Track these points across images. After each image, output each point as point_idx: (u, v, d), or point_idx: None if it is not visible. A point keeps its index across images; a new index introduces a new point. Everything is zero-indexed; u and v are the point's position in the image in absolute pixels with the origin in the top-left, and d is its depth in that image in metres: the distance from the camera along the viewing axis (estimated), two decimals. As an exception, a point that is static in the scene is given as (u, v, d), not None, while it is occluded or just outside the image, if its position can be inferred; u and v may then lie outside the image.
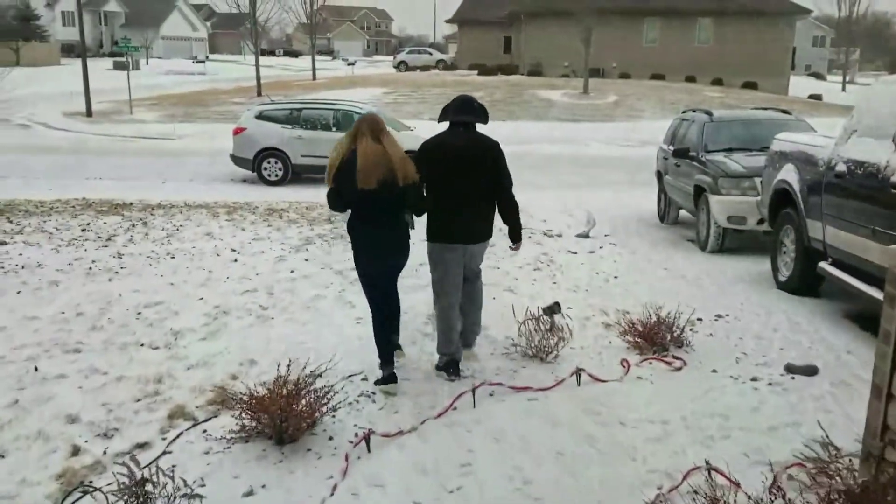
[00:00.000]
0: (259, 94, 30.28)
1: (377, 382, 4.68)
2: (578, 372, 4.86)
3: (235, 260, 7.87)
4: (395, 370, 4.70)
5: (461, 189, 4.85)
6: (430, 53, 55.83)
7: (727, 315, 6.34)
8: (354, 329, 5.79)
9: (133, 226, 9.60)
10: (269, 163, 15.28)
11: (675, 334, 5.47)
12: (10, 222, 9.86)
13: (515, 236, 5.29)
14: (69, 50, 63.01)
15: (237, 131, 15.70)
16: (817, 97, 37.47)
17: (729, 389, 4.79)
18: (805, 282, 7.03)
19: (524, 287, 7.17)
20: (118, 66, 53.61)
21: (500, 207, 5.15)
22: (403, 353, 5.16)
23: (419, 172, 4.65)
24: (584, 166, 18.40)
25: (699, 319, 6.01)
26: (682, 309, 5.76)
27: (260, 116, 15.59)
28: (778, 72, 38.43)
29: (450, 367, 4.97)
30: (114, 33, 69.18)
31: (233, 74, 50.67)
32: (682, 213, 11.23)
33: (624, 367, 5.11)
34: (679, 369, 5.11)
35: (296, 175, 15.26)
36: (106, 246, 8.47)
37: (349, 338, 5.62)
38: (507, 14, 43.83)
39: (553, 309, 5.81)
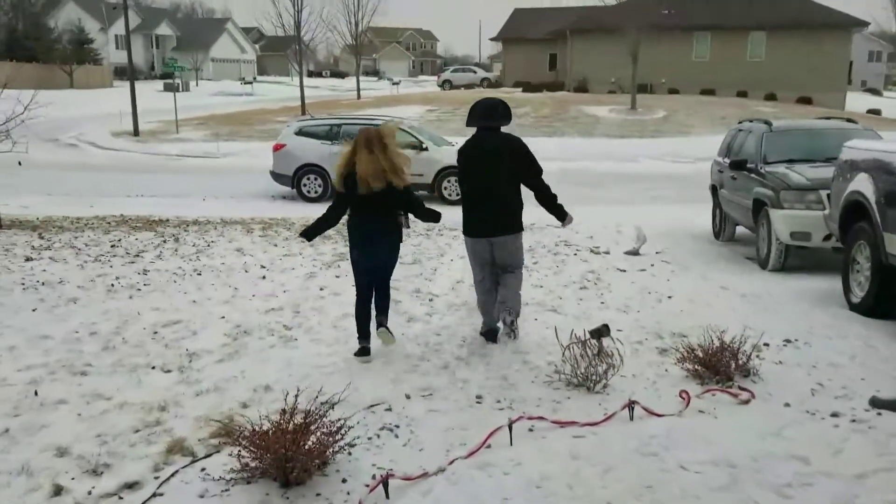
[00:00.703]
0: (304, 113, 30.29)
1: (355, 354, 5.23)
2: (631, 405, 4.27)
3: (264, 277, 7.49)
4: (369, 347, 5.25)
5: (485, 186, 5.31)
6: (475, 72, 55.62)
7: (796, 340, 5.68)
8: (383, 351, 5.30)
9: (164, 241, 9.31)
10: (308, 179, 15.01)
11: (740, 362, 4.84)
12: (42, 238, 9.67)
13: (559, 215, 5.74)
14: (122, 73, 64.60)
15: (277, 148, 15.50)
16: (876, 112, 36.05)
17: (806, 427, 4.15)
18: (882, 302, 6.34)
19: (569, 307, 6.60)
20: (168, 88, 54.73)
21: (536, 196, 5.61)
22: (393, 339, 5.38)
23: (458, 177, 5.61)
24: (633, 182, 17.76)
25: (766, 345, 5.36)
26: (746, 333, 5.13)
27: (300, 133, 15.36)
28: (834, 86, 37.12)
29: (488, 335, 5.55)
30: (165, 56, 70.67)
31: (280, 95, 51.18)
32: (739, 229, 10.54)
33: (683, 399, 4.49)
34: (746, 402, 4.48)
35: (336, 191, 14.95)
36: (133, 262, 8.17)
37: (376, 362, 5.13)
38: (553, 31, 43.38)
39: (601, 331, 5.21)
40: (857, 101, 40.84)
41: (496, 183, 5.29)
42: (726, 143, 10.86)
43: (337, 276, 7.49)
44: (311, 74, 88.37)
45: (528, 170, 5.43)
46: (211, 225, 10.81)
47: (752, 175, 9.03)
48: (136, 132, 27.53)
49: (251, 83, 57.94)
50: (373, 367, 5.01)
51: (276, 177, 15.50)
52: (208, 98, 50.35)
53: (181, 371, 4.98)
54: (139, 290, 7.04)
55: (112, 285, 7.18)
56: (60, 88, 52.76)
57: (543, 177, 5.65)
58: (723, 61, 38.06)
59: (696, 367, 4.85)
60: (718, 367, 4.78)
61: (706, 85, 37.51)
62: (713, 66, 38.18)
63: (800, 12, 37.32)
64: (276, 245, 9.08)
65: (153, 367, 5.04)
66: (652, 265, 8.74)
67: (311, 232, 5.42)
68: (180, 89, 55.49)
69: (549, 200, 5.61)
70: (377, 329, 5.31)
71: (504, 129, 5.57)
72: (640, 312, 6.40)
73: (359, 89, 43.91)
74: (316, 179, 15.00)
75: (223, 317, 6.10)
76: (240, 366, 5.06)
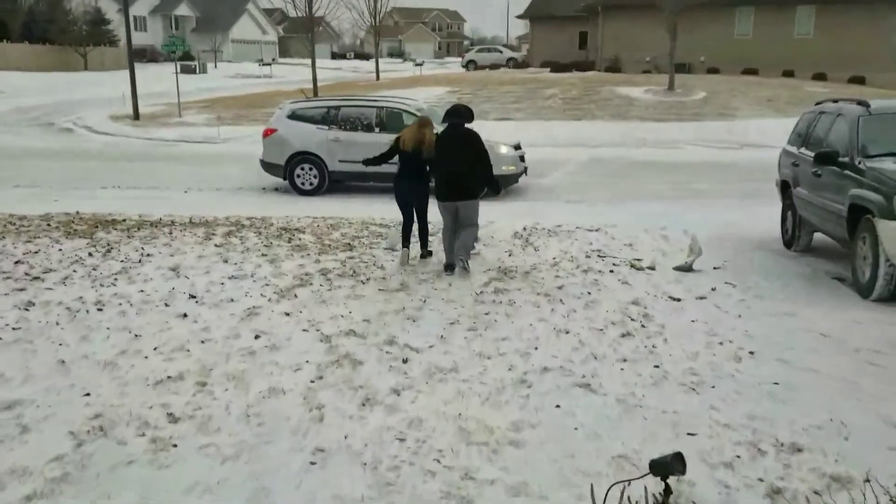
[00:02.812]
0: (315, 95, 28.37)
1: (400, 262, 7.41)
2: None
3: (185, 315, 5.56)
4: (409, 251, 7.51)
5: (454, 164, 7.15)
6: (501, 51, 53.14)
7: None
8: (313, 476, 3.31)
9: (90, 254, 7.44)
10: (302, 169, 13.09)
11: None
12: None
13: (494, 189, 7.61)
14: (142, 54, 63.24)
15: (267, 133, 13.59)
16: (936, 92, 33.22)
17: None
18: None
19: (609, 377, 4.56)
20: (185, 70, 53.18)
21: (480, 175, 7.24)
22: (431, 255, 7.68)
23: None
24: (673, 172, 15.60)
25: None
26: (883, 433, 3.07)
27: (293, 116, 13.40)
28: (890, 66, 34.23)
29: (447, 268, 7.18)
30: (185, 37, 69.20)
31: (299, 77, 49.28)
32: (817, 235, 8.43)
33: None
34: None
35: (334, 183, 13.05)
36: (22, 290, 6.22)
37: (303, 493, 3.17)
38: (582, 6, 40.84)
39: (670, 467, 3.05)
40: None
41: (462, 162, 7.11)
42: (802, 129, 8.74)
43: (287, 314, 5.54)
44: (334, 56, 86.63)
45: (482, 157, 7.17)
46: (168, 228, 8.95)
47: (847, 172, 6.92)
48: (136, 115, 25.89)
49: (269, 65, 56.14)
50: None
51: (267, 166, 13.61)
52: (225, 80, 48.69)
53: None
54: (-2, 340, 5.09)
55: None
56: (74, 70, 51.50)
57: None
58: (767, 38, 35.28)
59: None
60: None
61: (749, 64, 34.82)
62: (756, 44, 35.42)
63: (852, -15, 34.47)
64: (227, 261, 7.16)
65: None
66: (713, 289, 6.69)
67: (372, 161, 8.01)
68: (197, 71, 54.05)
69: (490, 180, 7.36)
70: (420, 256, 7.60)
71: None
72: (715, 389, 4.34)
73: (377, 70, 41.87)
74: (311, 170, 13.07)
75: (87, 395, 4.16)
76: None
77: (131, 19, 65.03)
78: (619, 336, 5.22)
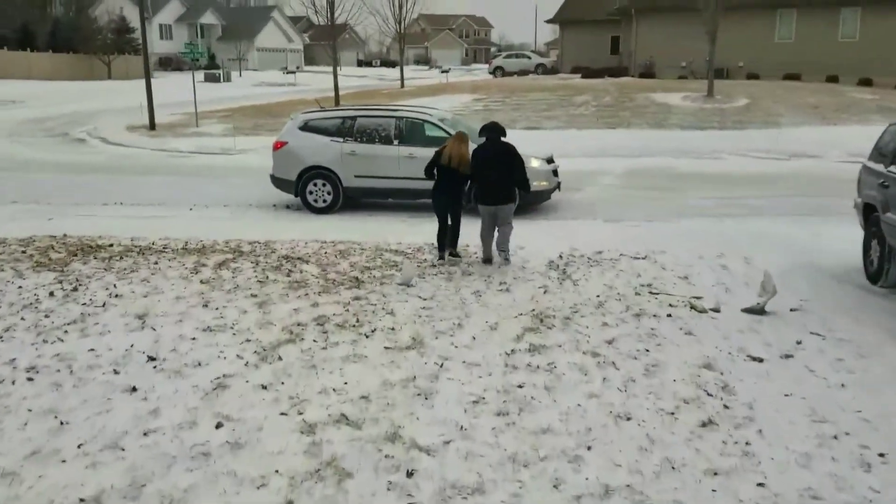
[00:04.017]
0: (337, 104, 27.37)
1: (438, 258, 8.35)
2: None
3: (134, 389, 4.40)
4: (444, 255, 8.30)
5: (492, 176, 8.22)
6: (529, 57, 51.81)
7: None
8: None
9: (51, 294, 6.35)
10: (315, 185, 11.96)
11: None
12: None
13: (524, 188, 8.53)
14: (167, 63, 62.93)
15: (277, 146, 12.49)
16: None
17: None
18: None
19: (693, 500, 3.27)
20: (209, 79, 52.67)
21: (516, 183, 8.34)
22: (461, 258, 8.40)
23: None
24: (720, 185, 14.26)
25: None
26: None
27: (305, 128, 12.27)
28: (940, 70, 32.40)
29: (486, 261, 8.29)
30: (210, 45, 68.94)
31: (324, 85, 48.46)
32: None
33: None
34: None
35: (349, 200, 11.91)
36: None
37: None
38: (615, 9, 39.46)
39: None
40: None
41: (500, 173, 8.19)
42: (890, 145, 7.39)
43: (264, 388, 4.36)
44: (360, 64, 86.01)
45: (517, 167, 8.22)
46: (156, 257, 7.85)
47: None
48: (152, 126, 25.05)
49: (294, 73, 55.47)
50: None
51: (277, 182, 12.51)
52: (249, 89, 47.98)
53: None
54: None
55: None
56: (98, 79, 51.17)
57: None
58: (810, 42, 33.63)
59: None
60: None
61: (790, 69, 33.21)
62: (798, 48, 33.78)
63: (901, -16, 32.74)
64: (207, 304, 5.99)
65: None
66: (799, 343, 5.42)
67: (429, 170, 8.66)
68: (221, 79, 53.51)
69: (520, 182, 8.34)
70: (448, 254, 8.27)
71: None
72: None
73: (402, 77, 40.84)
74: (325, 185, 11.93)
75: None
76: None
77: (157, 28, 65.09)
78: (699, 425, 3.96)
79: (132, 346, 5.05)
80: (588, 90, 28.65)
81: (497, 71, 48.12)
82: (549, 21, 50.63)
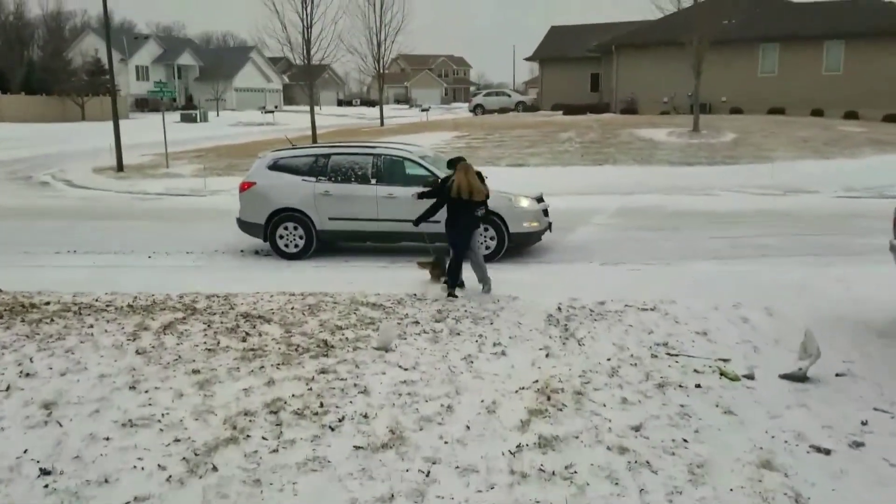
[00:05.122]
0: (314, 143, 26.46)
1: (452, 293, 8.15)
2: None
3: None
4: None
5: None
6: (509, 95, 51.48)
7: None
8: None
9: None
10: (285, 229, 10.98)
11: None
12: None
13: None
14: (143, 104, 62.02)
15: (244, 187, 11.55)
16: (976, 130, 31.05)
17: None
18: None
19: None
20: (186, 119, 51.80)
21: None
22: (464, 289, 8.32)
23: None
24: (719, 223, 13.43)
25: None
26: None
27: (275, 167, 11.33)
28: (927, 102, 32.13)
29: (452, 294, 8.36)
30: (188, 86, 68.24)
31: (302, 124, 47.75)
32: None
33: None
34: None
35: (323, 244, 10.92)
36: None
37: None
38: (595, 46, 39.13)
39: None
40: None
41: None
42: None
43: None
44: (340, 103, 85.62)
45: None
46: (93, 318, 6.75)
47: None
48: (119, 167, 24.02)
49: (272, 112, 54.75)
50: None
51: (244, 226, 11.53)
52: (226, 128, 47.14)
53: None
54: None
55: None
56: (72, 121, 50.11)
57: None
58: (793, 76, 33.35)
59: None
60: None
61: (774, 103, 32.84)
62: (782, 82, 33.48)
63: (884, 17, 32.58)
64: (136, 386, 4.84)
65: None
66: (864, 424, 4.44)
67: (423, 218, 8.80)
68: (198, 119, 52.62)
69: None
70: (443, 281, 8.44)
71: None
72: None
73: (382, 116, 40.13)
74: (296, 229, 10.96)
75: None
76: None
77: (133, 69, 64.29)
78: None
79: (25, 451, 3.93)
80: (571, 127, 27.99)
81: (477, 109, 47.64)
82: (528, 59, 50.40)
